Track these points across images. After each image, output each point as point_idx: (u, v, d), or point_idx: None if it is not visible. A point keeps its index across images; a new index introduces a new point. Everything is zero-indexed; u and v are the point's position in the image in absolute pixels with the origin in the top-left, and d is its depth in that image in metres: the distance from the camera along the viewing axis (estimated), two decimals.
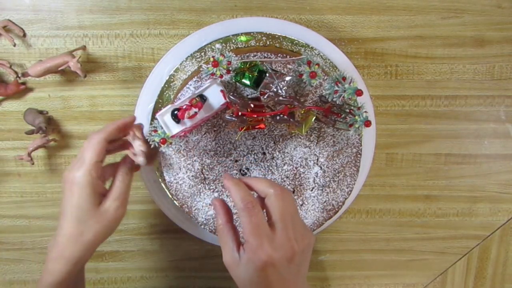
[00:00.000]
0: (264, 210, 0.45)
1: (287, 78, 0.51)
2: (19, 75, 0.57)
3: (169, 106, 0.49)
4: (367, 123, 0.51)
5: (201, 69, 0.51)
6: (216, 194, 0.55)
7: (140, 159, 0.49)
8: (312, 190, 0.56)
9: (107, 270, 0.66)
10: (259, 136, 0.55)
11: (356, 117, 0.51)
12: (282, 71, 0.53)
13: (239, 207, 0.43)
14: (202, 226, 0.56)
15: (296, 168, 0.55)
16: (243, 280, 0.43)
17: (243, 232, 0.43)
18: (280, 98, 0.50)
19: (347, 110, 0.52)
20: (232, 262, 0.43)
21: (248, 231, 0.42)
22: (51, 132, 0.60)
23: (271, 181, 0.46)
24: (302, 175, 0.56)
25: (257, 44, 0.54)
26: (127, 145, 0.50)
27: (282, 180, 0.56)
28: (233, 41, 0.54)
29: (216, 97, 0.49)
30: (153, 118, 0.55)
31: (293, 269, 0.43)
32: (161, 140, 0.51)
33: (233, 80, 0.51)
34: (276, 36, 0.54)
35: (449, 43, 0.60)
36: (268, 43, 0.54)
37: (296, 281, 0.44)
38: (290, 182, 0.56)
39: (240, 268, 0.43)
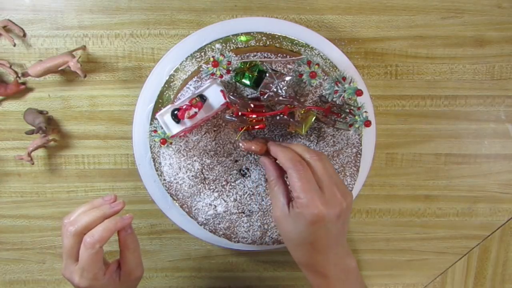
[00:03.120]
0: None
1: (287, 78, 0.51)
2: (19, 75, 0.57)
3: (169, 106, 0.49)
4: (367, 123, 0.51)
5: (201, 69, 0.51)
6: (216, 194, 0.55)
7: None
8: None
9: None
10: (259, 136, 0.55)
11: (356, 117, 0.51)
12: (282, 71, 0.53)
13: (288, 166, 0.45)
14: (202, 226, 0.56)
15: None
16: (291, 233, 0.45)
17: (293, 189, 0.44)
18: (280, 98, 0.50)
19: (347, 110, 0.52)
20: (282, 216, 0.45)
21: (298, 187, 0.43)
22: (51, 132, 0.60)
23: (306, 147, 0.48)
24: None
25: (257, 44, 0.54)
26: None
27: None
28: (233, 41, 0.54)
29: (216, 97, 0.49)
30: (153, 118, 0.55)
31: (339, 226, 0.44)
32: (161, 140, 0.51)
33: (233, 80, 0.51)
34: (276, 36, 0.54)
35: (449, 43, 0.60)
36: (268, 43, 0.54)
37: (339, 238, 0.45)
38: None
39: (289, 222, 0.45)
